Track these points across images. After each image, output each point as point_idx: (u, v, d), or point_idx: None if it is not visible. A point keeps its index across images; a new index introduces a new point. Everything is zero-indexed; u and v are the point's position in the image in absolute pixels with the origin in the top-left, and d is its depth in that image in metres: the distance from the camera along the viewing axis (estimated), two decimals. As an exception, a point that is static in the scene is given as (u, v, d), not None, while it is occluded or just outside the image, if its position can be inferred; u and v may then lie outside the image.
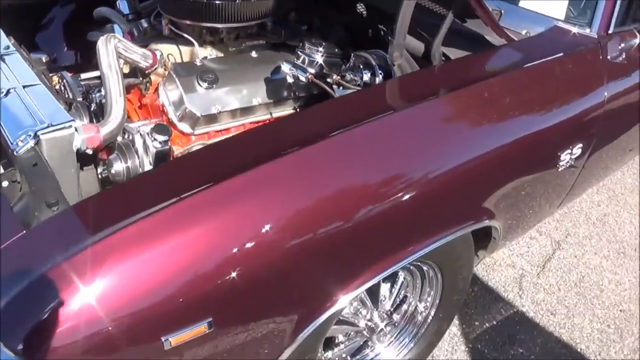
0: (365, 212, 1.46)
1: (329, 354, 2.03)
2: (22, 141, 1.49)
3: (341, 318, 1.91)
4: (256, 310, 1.41)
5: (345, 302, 1.54)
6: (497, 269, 2.97)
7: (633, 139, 2.97)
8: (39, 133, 1.50)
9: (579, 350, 2.64)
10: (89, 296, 1.15)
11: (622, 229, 3.42)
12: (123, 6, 2.43)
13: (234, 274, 1.27)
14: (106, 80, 1.77)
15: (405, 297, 2.14)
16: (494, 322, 2.69)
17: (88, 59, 2.37)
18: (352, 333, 2.07)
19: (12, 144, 1.49)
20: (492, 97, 1.87)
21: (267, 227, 1.32)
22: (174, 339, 1.25)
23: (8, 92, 1.68)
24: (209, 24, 2.10)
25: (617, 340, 2.72)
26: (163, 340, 1.24)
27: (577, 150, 2.17)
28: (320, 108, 1.72)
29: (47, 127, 1.52)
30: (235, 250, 1.27)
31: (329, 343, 2.04)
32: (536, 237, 3.22)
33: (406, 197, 1.55)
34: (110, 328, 1.16)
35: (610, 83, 2.28)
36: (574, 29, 2.29)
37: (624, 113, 2.47)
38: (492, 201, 1.88)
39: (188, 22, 2.11)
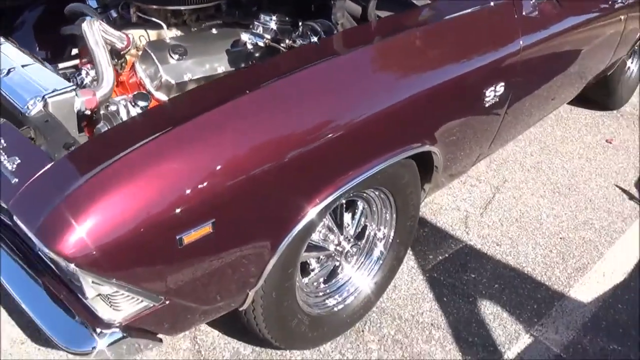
0: (320, 139, 1.80)
1: (305, 279, 2.35)
2: (32, 104, 1.79)
3: (313, 244, 2.24)
4: (244, 220, 1.74)
5: (313, 214, 1.87)
6: (444, 212, 3.33)
7: (555, 89, 3.37)
8: (46, 97, 1.80)
9: (526, 272, 3.00)
10: (115, 206, 1.45)
11: (555, 173, 3.82)
12: (92, 2, 2.73)
13: (223, 187, 1.60)
14: (95, 55, 2.08)
15: (366, 226, 2.47)
16: (446, 255, 3.04)
17: (63, 52, 2.67)
18: (323, 258, 2.39)
19: (23, 108, 1.79)
20: (422, 43, 2.23)
21: (245, 149, 1.65)
22: (186, 237, 1.56)
23: (9, 71, 1.98)
24: (173, 7, 2.42)
25: (560, 262, 3.09)
26: (177, 238, 1.55)
27: (500, 88, 2.53)
28: (278, 57, 2.07)
29: (53, 91, 1.82)
30: (219, 167, 1.59)
31: (305, 269, 2.36)
32: (476, 185, 3.59)
33: (353, 125, 1.89)
34: (136, 230, 1.47)
35: (525, 35, 2.65)
36: None
37: (540, 62, 2.84)
38: (430, 131, 2.23)
39: (154, 6, 2.43)
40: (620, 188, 3.75)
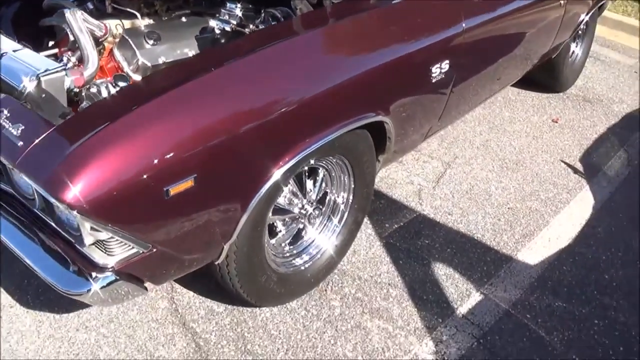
0: (281, 109, 2.07)
1: (273, 240, 2.61)
2: (28, 82, 2.02)
3: (279, 207, 2.49)
4: (220, 177, 1.99)
5: (277, 175, 2.13)
6: (398, 186, 3.61)
7: (500, 70, 3.66)
8: (40, 75, 2.03)
9: (475, 238, 3.28)
10: (110, 161, 1.71)
11: (503, 150, 4.12)
12: (68, -6, 2.95)
13: (201, 147, 1.85)
14: (80, 40, 2.31)
15: (327, 192, 2.74)
16: (401, 224, 3.31)
17: (41, 43, 2.90)
18: (288, 221, 2.65)
19: (19, 86, 2.02)
20: (373, 25, 2.51)
21: (218, 117, 1.92)
22: (172, 189, 1.82)
23: (1, 56, 2.20)
24: (146, -2, 2.66)
25: (508, 229, 3.38)
26: (164, 189, 1.81)
27: (445, 66, 2.80)
28: (243, 39, 2.34)
29: (45, 71, 2.05)
30: (197, 131, 1.85)
31: (272, 231, 2.62)
32: (429, 161, 3.88)
33: (311, 97, 2.17)
34: (130, 181, 1.72)
35: (467, 18, 2.94)
36: None
37: (484, 43, 3.14)
38: (382, 103, 2.51)
39: (128, -2, 2.67)
40: (566, 163, 4.06)
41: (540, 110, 4.73)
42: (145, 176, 1.75)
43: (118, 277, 1.88)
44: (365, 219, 3.17)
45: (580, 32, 4.94)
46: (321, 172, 2.65)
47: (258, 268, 2.42)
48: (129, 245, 1.87)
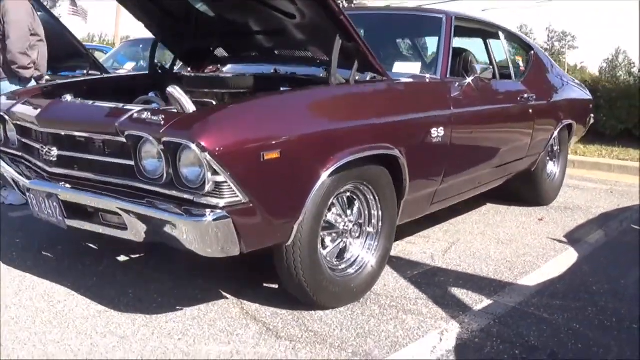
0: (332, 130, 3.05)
1: (324, 251, 3.30)
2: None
3: (328, 224, 3.25)
4: (294, 160, 2.86)
5: (325, 176, 2.96)
6: (414, 255, 4.29)
7: (484, 146, 4.58)
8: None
9: (482, 275, 3.92)
10: (232, 128, 2.70)
11: (497, 235, 4.89)
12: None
13: (286, 136, 2.82)
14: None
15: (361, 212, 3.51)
16: (420, 271, 3.97)
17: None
18: (335, 236, 3.37)
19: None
20: (389, 97, 3.56)
21: (295, 119, 2.98)
22: (265, 154, 2.67)
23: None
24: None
25: (507, 271, 4.03)
26: (261, 153, 2.66)
27: (441, 131, 3.75)
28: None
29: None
30: (284, 125, 2.89)
31: (323, 244, 3.32)
32: (436, 242, 4.64)
33: (348, 129, 3.16)
34: (243, 143, 2.66)
35: (454, 109, 3.93)
36: (427, 75, 3.96)
37: (469, 119, 4.10)
38: (397, 142, 3.42)
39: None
40: (552, 238, 4.83)
41: (526, 214, 5.59)
42: (250, 141, 2.65)
43: (228, 215, 2.61)
44: (391, 269, 3.90)
45: (554, 148, 5.89)
46: (357, 203, 3.43)
47: (316, 261, 3.10)
48: (235, 193, 2.62)
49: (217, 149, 2.52)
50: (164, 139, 2.60)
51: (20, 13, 4.96)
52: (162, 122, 2.63)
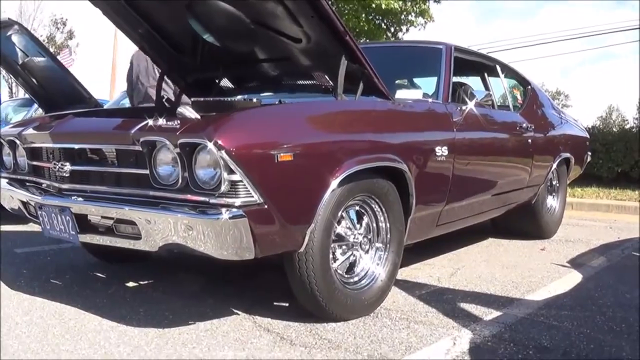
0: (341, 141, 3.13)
1: (334, 265, 3.34)
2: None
3: (337, 236, 3.28)
4: (306, 165, 2.94)
5: (334, 184, 3.02)
6: (420, 278, 4.33)
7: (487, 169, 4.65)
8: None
9: (489, 293, 3.96)
10: (246, 130, 2.78)
11: (501, 261, 4.93)
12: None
13: (298, 141, 2.93)
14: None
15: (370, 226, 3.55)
16: (428, 290, 4.01)
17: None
18: (345, 248, 3.41)
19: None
20: (395, 114, 3.69)
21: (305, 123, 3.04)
22: (280, 156, 2.73)
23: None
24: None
25: (514, 289, 4.06)
26: (275, 154, 2.72)
27: (445, 150, 3.83)
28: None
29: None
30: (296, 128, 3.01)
31: (333, 256, 3.35)
32: (442, 267, 4.67)
33: (358, 142, 3.23)
34: (257, 145, 2.75)
35: (457, 132, 4.03)
36: (430, 100, 4.08)
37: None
38: (403, 154, 3.48)
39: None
40: (555, 263, 4.87)
41: (528, 246, 5.64)
42: (265, 142, 2.73)
43: (243, 214, 2.66)
44: (399, 289, 3.93)
45: (553, 183, 5.98)
46: (365, 217, 3.48)
47: (328, 270, 3.13)
48: (250, 192, 2.68)
49: (234, 147, 2.59)
50: (180, 141, 2.66)
51: None
52: (178, 126, 2.70)
